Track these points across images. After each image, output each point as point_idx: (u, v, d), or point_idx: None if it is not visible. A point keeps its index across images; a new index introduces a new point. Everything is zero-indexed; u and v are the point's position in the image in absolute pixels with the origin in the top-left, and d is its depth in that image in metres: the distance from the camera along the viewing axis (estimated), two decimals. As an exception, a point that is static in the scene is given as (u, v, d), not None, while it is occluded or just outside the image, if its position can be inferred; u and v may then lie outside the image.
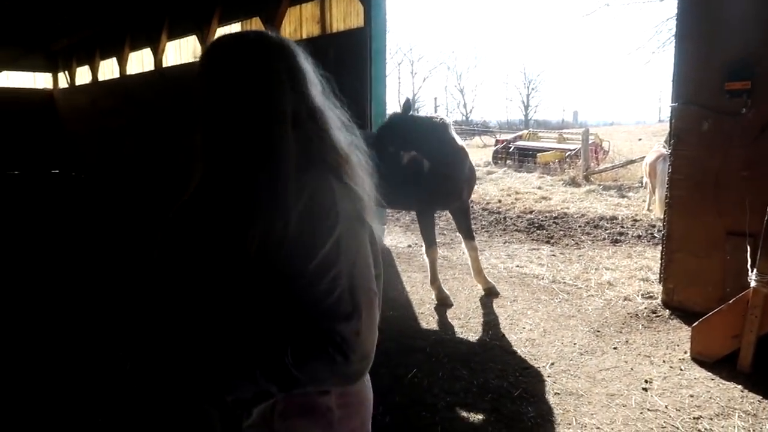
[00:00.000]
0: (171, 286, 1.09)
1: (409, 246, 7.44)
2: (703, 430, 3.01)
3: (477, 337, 4.31)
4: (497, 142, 19.95)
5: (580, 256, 6.67)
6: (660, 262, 4.98)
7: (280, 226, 1.04)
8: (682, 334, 4.24)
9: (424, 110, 43.42)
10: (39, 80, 19.22)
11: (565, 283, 5.62)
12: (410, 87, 57.20)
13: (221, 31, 11.27)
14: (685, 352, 3.93)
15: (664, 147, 8.97)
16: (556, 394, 3.42)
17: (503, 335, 4.33)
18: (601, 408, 3.25)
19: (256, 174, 1.08)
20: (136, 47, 13.98)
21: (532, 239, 7.66)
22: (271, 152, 1.09)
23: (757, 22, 4.16)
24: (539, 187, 12.34)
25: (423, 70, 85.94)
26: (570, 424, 3.08)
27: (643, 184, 10.60)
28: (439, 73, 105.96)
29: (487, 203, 10.56)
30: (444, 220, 8.57)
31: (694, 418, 3.12)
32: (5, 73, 18.27)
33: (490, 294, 5.24)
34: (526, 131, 21.61)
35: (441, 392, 3.43)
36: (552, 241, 7.52)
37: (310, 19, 9.01)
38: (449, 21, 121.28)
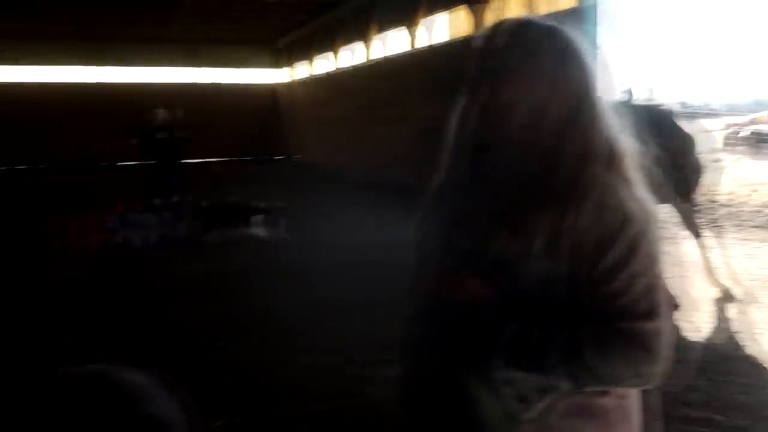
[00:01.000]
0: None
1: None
2: None
3: (711, 345, 3.83)
4: (727, 126, 17.65)
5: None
6: None
7: (571, 218, 1.02)
8: None
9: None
10: (262, 75, 21.65)
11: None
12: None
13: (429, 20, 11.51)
14: None
15: None
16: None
17: (745, 345, 3.79)
18: None
19: (563, 162, 1.06)
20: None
21: (776, 238, 6.60)
22: (584, 143, 1.07)
23: None
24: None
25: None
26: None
27: None
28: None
29: (715, 195, 9.34)
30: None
31: None
32: (229, 69, 20.72)
33: (725, 297, 4.68)
34: (766, 112, 18.70)
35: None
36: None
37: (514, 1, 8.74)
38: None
